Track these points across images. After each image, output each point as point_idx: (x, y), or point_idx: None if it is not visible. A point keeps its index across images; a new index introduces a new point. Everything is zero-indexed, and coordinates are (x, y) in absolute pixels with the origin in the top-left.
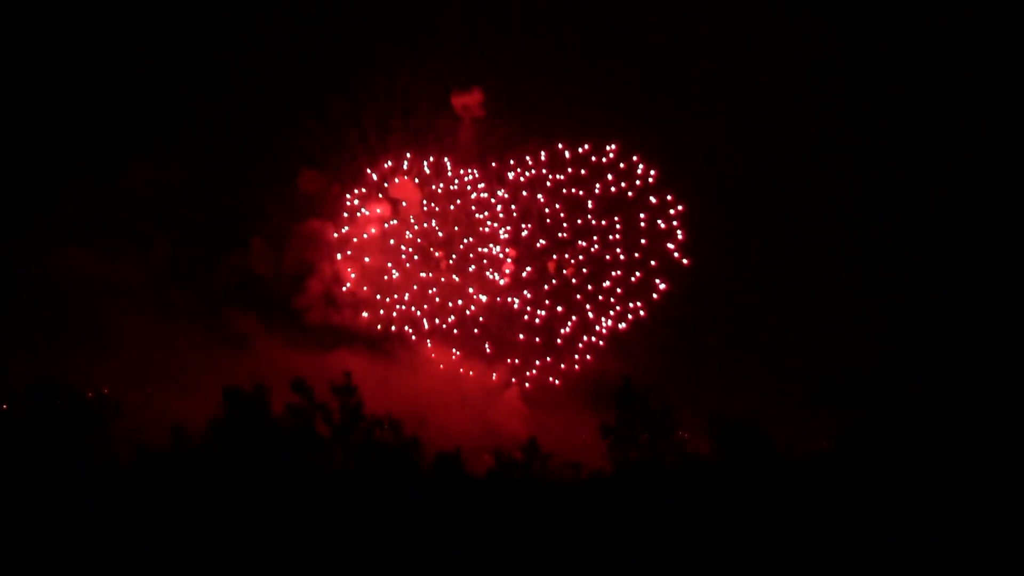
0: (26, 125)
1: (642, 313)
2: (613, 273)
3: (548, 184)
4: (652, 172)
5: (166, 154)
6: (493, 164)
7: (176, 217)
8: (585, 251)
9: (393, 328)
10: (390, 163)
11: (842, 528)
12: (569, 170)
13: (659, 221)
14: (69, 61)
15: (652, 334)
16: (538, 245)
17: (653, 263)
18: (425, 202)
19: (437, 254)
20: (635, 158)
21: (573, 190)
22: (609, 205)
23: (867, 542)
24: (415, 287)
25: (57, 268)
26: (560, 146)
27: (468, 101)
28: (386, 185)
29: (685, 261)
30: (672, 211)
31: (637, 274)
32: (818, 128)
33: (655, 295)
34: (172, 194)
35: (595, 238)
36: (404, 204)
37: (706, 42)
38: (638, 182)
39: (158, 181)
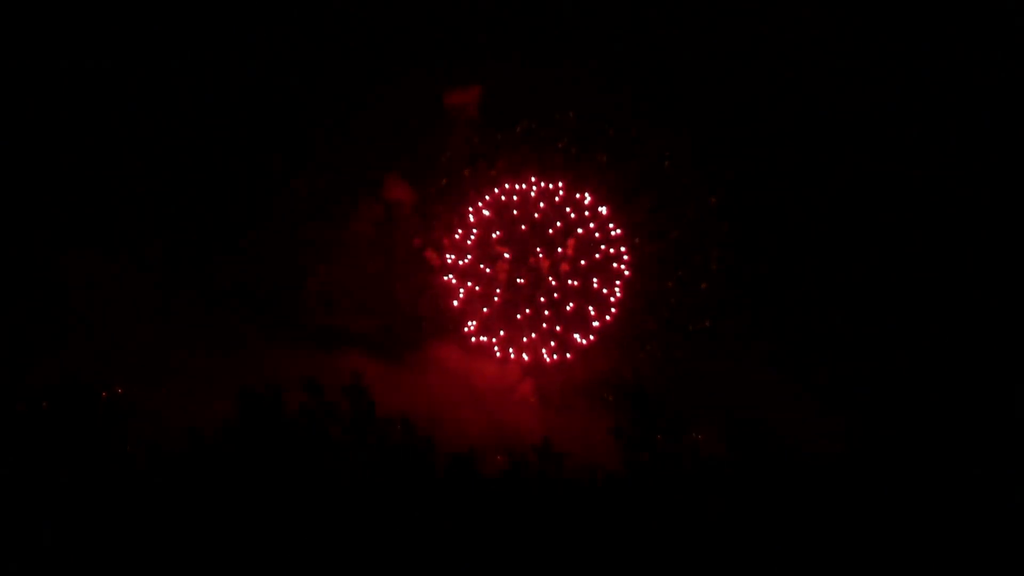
0: (27, 130)
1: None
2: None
3: (535, 191)
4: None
5: (166, 156)
6: (487, 169)
7: (179, 220)
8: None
9: (397, 329)
10: (384, 164)
11: (855, 529)
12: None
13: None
14: (74, 62)
15: (663, 335)
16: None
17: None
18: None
19: (431, 255)
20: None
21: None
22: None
23: (880, 542)
24: (413, 288)
25: (68, 270)
26: (533, 180)
27: (462, 101)
28: (380, 187)
29: (627, 272)
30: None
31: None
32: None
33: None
34: (171, 196)
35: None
36: (398, 205)
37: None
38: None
39: (159, 184)
